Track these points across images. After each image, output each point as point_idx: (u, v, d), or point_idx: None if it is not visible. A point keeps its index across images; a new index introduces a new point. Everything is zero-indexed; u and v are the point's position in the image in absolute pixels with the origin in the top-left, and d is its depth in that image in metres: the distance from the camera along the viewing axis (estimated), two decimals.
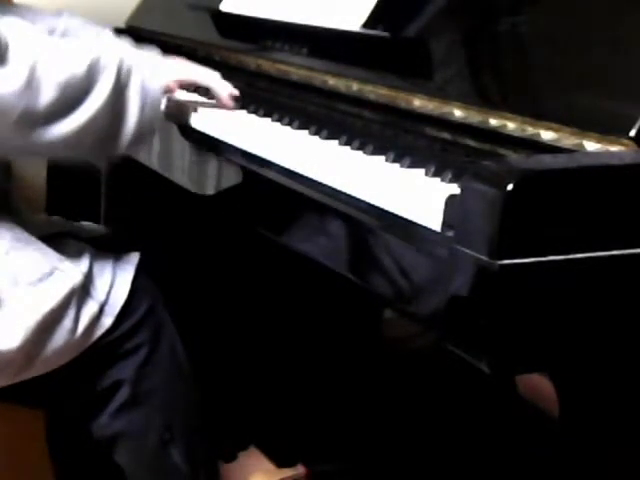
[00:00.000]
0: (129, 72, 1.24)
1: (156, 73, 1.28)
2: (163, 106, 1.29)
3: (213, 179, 1.46)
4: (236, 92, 1.41)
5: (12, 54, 1.15)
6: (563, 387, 1.10)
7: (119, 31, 2.00)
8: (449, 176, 1.01)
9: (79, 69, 1.19)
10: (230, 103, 1.40)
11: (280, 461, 1.73)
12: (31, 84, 1.15)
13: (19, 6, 1.53)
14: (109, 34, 1.52)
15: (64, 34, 1.50)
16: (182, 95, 1.47)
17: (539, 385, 1.49)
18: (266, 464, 1.72)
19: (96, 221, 1.93)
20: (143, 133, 1.27)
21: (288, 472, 1.70)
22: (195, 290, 1.83)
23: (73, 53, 1.21)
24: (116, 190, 2.02)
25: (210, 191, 1.47)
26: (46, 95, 1.16)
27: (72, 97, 1.18)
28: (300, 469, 1.70)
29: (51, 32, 1.49)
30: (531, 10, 1.17)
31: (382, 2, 1.33)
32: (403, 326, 1.99)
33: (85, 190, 1.99)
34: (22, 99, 1.14)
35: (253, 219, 1.37)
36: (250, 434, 1.79)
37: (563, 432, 1.15)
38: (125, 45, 1.42)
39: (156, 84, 1.27)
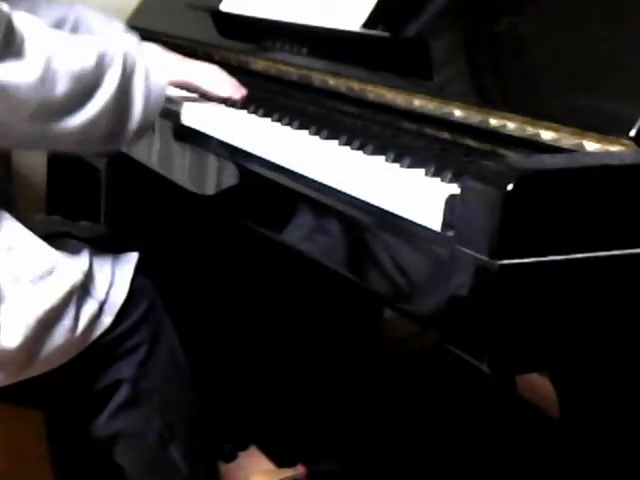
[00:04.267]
0: (133, 65, 1.26)
1: (159, 67, 1.30)
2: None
3: (213, 179, 1.46)
4: (228, 86, 1.42)
5: (28, 47, 1.16)
6: (563, 387, 1.10)
7: None
8: (449, 176, 1.01)
9: (89, 62, 1.21)
10: (233, 97, 1.41)
11: (280, 461, 1.73)
12: (47, 77, 1.16)
13: None
14: (119, 25, 1.54)
15: (75, 24, 1.53)
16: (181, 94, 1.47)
17: (539, 385, 1.50)
18: (266, 464, 1.72)
19: (96, 221, 1.93)
20: (147, 125, 1.29)
21: (288, 472, 1.70)
22: (194, 290, 1.83)
23: (82, 46, 1.23)
24: (116, 190, 2.01)
25: (210, 191, 1.47)
26: (61, 88, 1.17)
27: (84, 89, 1.20)
28: (300, 469, 1.70)
29: (62, 22, 1.51)
30: (531, 10, 1.17)
31: (382, 2, 1.33)
32: (403, 326, 2.00)
33: (85, 190, 1.99)
34: (38, 92, 1.16)
35: (252, 219, 1.37)
36: (250, 434, 1.79)
37: (563, 432, 1.15)
38: (132, 38, 1.43)
39: (159, 77, 1.29)
